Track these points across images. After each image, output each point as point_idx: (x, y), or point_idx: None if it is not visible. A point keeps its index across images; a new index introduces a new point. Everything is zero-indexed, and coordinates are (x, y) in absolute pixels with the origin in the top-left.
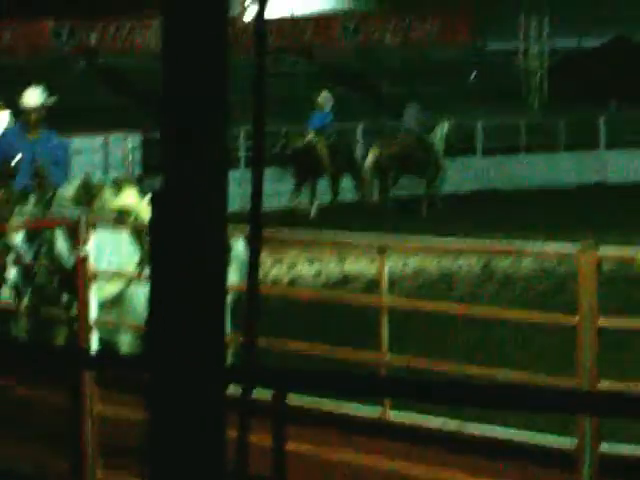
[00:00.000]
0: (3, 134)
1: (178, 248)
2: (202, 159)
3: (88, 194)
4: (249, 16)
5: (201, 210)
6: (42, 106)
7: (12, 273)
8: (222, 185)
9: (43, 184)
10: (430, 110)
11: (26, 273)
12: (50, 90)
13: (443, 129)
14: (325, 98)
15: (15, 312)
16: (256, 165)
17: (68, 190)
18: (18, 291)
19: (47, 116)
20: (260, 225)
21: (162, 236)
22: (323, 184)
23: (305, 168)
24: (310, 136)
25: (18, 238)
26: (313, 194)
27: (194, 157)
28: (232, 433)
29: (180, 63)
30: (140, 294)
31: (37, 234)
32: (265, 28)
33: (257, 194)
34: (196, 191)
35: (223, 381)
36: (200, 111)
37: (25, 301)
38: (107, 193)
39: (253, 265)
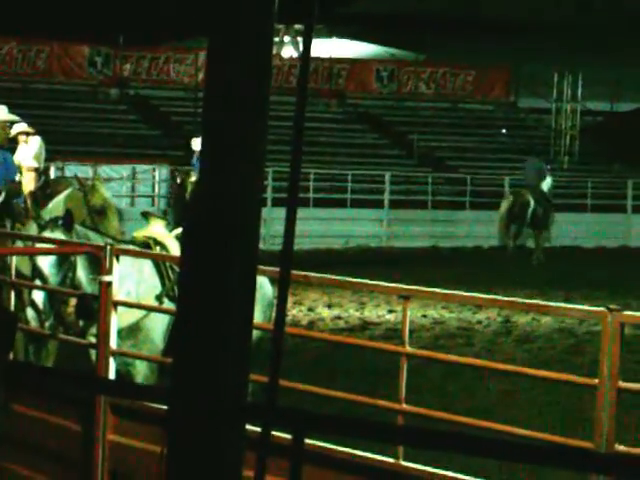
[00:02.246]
0: None
1: (207, 283)
2: (236, 195)
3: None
4: (287, 52)
5: (232, 246)
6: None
7: (38, 298)
8: (254, 222)
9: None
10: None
11: (51, 297)
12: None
13: (548, 184)
14: None
15: (39, 336)
16: (290, 204)
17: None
18: (42, 315)
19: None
20: (290, 266)
21: (191, 270)
22: None
23: None
24: None
25: (46, 262)
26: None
27: (229, 192)
28: (249, 472)
29: (221, 99)
30: (158, 325)
31: (65, 259)
32: (306, 67)
33: (289, 234)
34: (229, 226)
35: (243, 419)
36: (238, 146)
37: (48, 326)
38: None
39: (281, 305)
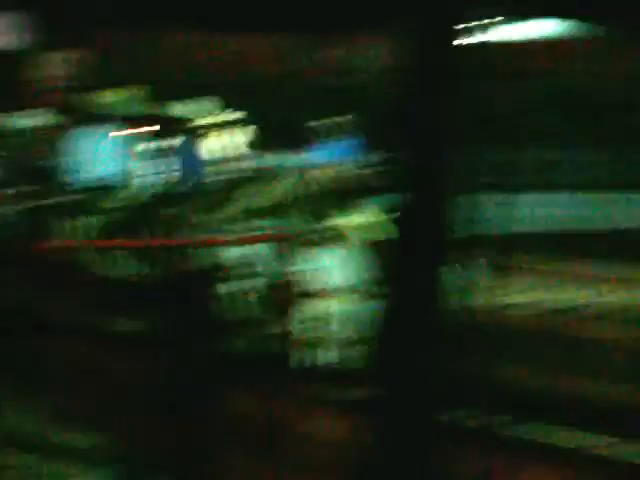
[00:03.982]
0: None
1: (414, 269)
2: (440, 184)
3: None
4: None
5: (438, 234)
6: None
7: (248, 285)
8: (456, 210)
9: None
10: None
11: (258, 286)
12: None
13: None
14: None
15: (245, 325)
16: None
17: None
18: (250, 304)
19: None
20: (509, 252)
21: (400, 256)
22: None
23: None
24: None
25: (249, 251)
26: None
27: (435, 182)
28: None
29: (416, 89)
30: (350, 315)
31: (272, 248)
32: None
33: (506, 220)
34: (436, 215)
35: (443, 406)
36: (437, 135)
37: (255, 314)
38: None
39: (489, 292)
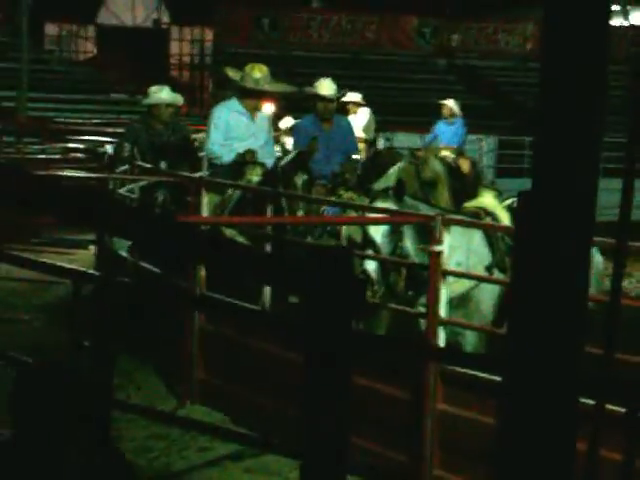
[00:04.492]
0: (302, 124)
1: (541, 254)
2: (573, 164)
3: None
4: (616, 21)
5: (568, 216)
6: (336, 97)
7: (371, 267)
8: (591, 192)
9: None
10: None
11: (382, 267)
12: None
13: None
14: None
15: (371, 307)
16: (628, 174)
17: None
18: (374, 285)
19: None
20: (627, 237)
21: (525, 241)
22: None
23: None
24: None
25: (378, 232)
26: None
27: (567, 162)
28: (582, 445)
29: (560, 68)
30: (487, 296)
31: (396, 229)
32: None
33: (626, 203)
34: (565, 196)
35: (577, 391)
36: (578, 116)
37: (379, 296)
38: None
39: (617, 276)
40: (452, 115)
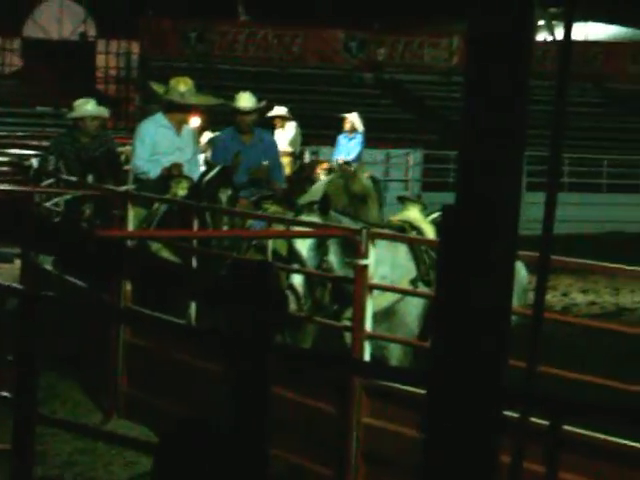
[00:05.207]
0: (220, 138)
1: (465, 267)
2: (496, 179)
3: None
4: (541, 36)
5: (492, 230)
6: (255, 110)
7: (297, 281)
8: (515, 206)
9: (273, 188)
10: None
11: (308, 281)
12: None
13: None
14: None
15: (297, 320)
16: (550, 189)
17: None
18: (299, 299)
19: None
20: (549, 251)
21: (449, 254)
22: None
23: None
24: None
25: (304, 246)
26: None
27: (490, 176)
28: (505, 457)
29: (482, 83)
30: (412, 309)
31: (321, 243)
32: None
33: (549, 217)
34: (489, 210)
35: (501, 404)
36: (500, 130)
37: (305, 309)
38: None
39: (540, 290)
40: (353, 129)
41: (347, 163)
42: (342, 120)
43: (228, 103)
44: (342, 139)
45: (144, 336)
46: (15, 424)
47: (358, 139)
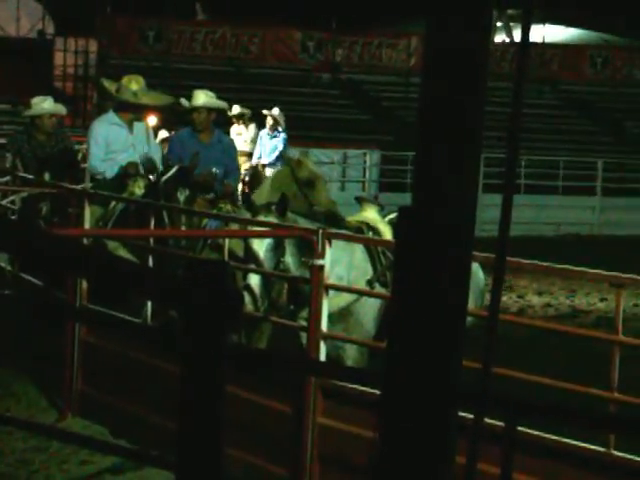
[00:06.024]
0: (177, 136)
1: (421, 268)
2: (452, 180)
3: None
4: (499, 37)
5: (448, 231)
6: (211, 108)
7: (254, 281)
8: (472, 207)
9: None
10: None
11: (265, 281)
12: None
13: None
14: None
15: (254, 320)
16: (507, 191)
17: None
18: (256, 299)
19: (215, 119)
20: (505, 253)
21: (404, 254)
22: None
23: None
24: None
25: (262, 246)
26: None
27: (447, 178)
28: (460, 459)
29: (439, 84)
30: (368, 310)
31: (279, 244)
32: (525, 53)
33: (506, 219)
34: (445, 212)
35: (456, 405)
36: (457, 131)
37: (262, 310)
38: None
39: (496, 292)
40: (275, 127)
41: (266, 165)
42: (264, 117)
43: (181, 102)
44: (264, 137)
45: (100, 335)
46: None
47: (280, 139)
